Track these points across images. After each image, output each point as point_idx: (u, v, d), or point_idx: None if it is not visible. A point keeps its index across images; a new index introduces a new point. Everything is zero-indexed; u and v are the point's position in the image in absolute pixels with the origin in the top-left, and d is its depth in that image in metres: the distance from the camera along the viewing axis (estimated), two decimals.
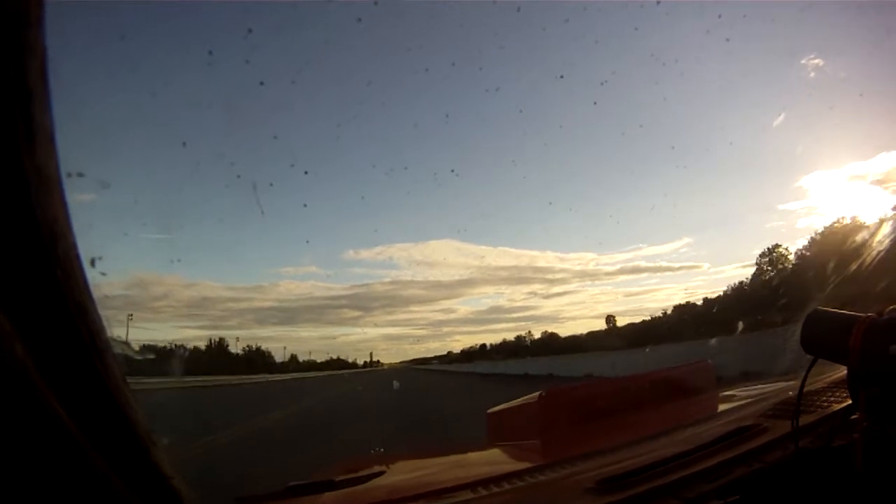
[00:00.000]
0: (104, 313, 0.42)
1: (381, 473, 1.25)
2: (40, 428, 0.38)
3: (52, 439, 0.39)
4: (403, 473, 1.42)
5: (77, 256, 0.40)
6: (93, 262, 0.49)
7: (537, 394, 1.60)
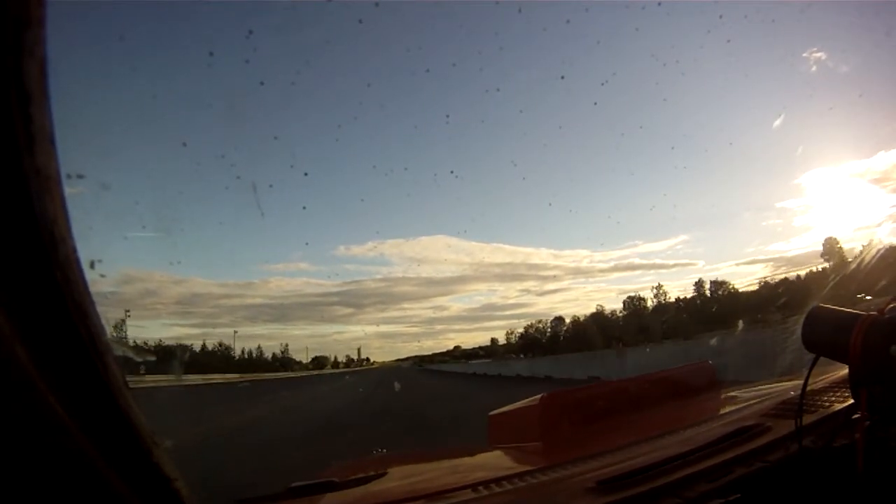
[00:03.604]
0: (103, 312, 0.42)
1: (383, 475, 1.24)
2: (42, 430, 0.38)
3: (53, 441, 0.39)
4: (405, 475, 1.42)
5: (77, 258, 0.40)
6: (92, 265, 0.48)
7: (539, 396, 1.60)
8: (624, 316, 66.75)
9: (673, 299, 65.21)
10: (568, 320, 73.97)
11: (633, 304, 68.13)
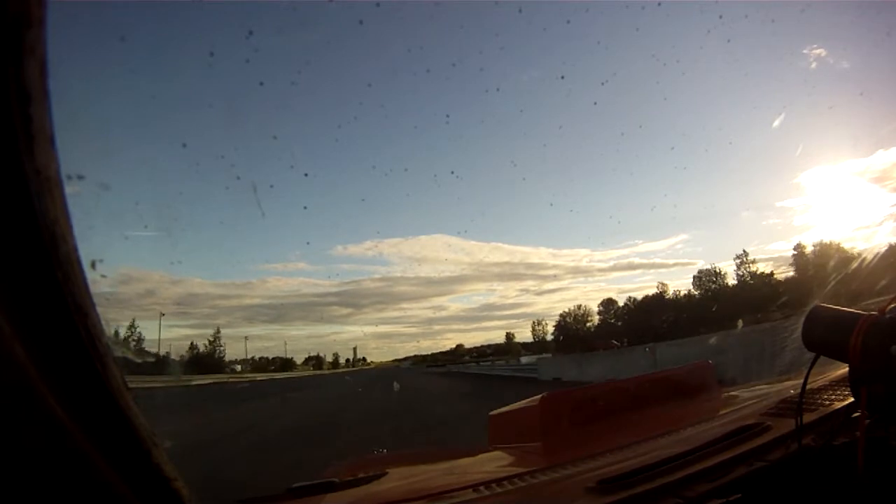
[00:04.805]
0: (103, 312, 0.42)
1: (383, 475, 1.25)
2: (41, 430, 0.38)
3: (53, 441, 0.39)
4: (405, 475, 1.42)
5: (78, 259, 0.40)
6: (94, 265, 0.48)
7: (539, 396, 1.60)
8: (689, 296, 55.33)
9: (766, 272, 52.36)
10: (620, 303, 62.83)
11: (708, 283, 54.95)
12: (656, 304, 57.41)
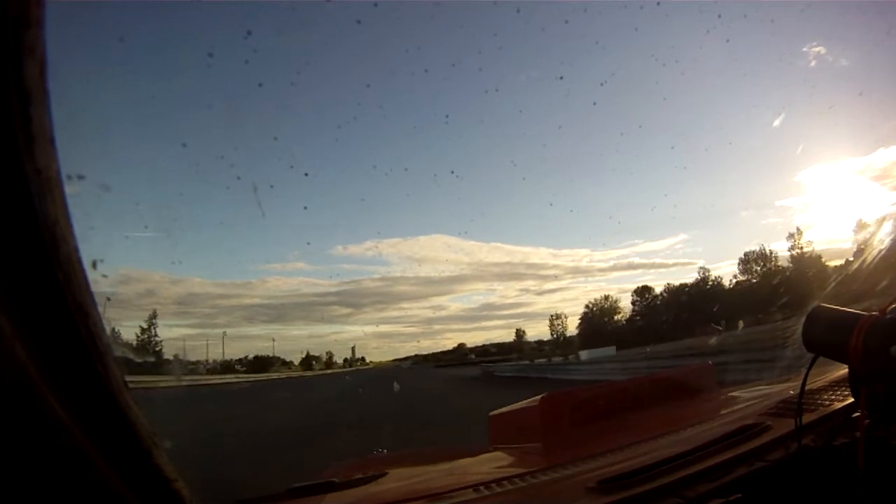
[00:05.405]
0: (103, 312, 0.42)
1: (382, 475, 1.25)
2: (41, 430, 0.38)
3: (53, 441, 0.39)
4: (405, 475, 1.42)
5: (78, 259, 0.40)
6: (94, 265, 0.49)
7: (539, 396, 1.60)
8: (737, 282, 49.06)
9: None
10: (657, 290, 57.16)
11: (756, 266, 48.77)
12: (702, 292, 51.37)
